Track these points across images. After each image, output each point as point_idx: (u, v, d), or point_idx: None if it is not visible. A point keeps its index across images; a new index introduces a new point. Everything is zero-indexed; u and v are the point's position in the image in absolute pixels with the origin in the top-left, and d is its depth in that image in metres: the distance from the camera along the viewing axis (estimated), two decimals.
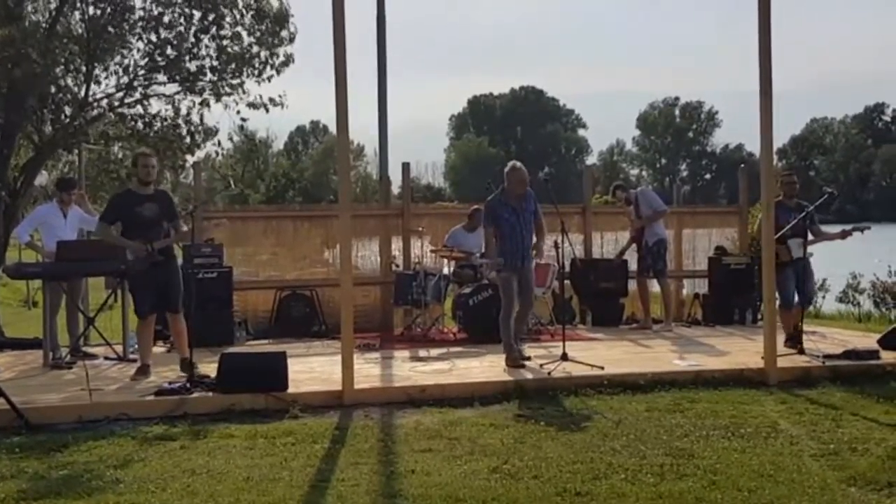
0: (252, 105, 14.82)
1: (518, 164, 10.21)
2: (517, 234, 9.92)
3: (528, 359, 9.87)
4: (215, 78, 14.61)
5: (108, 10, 13.98)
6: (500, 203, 10.04)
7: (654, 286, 13.47)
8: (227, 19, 14.41)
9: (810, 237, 10.93)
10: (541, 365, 9.42)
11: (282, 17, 14.70)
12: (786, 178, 11.18)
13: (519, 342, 10.06)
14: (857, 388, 8.69)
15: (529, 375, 9.10)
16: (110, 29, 13.92)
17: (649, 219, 13.09)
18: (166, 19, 14.30)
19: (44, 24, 13.97)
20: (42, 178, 16.92)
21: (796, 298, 10.80)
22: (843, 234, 10.96)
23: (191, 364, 8.82)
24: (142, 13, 14.26)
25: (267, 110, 14.94)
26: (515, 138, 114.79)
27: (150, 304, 9.13)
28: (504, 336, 9.91)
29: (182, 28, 14.36)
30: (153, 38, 14.30)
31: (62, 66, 14.10)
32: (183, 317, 9.27)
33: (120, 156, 17.27)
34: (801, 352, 10.06)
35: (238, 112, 14.78)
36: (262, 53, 14.62)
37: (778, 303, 10.32)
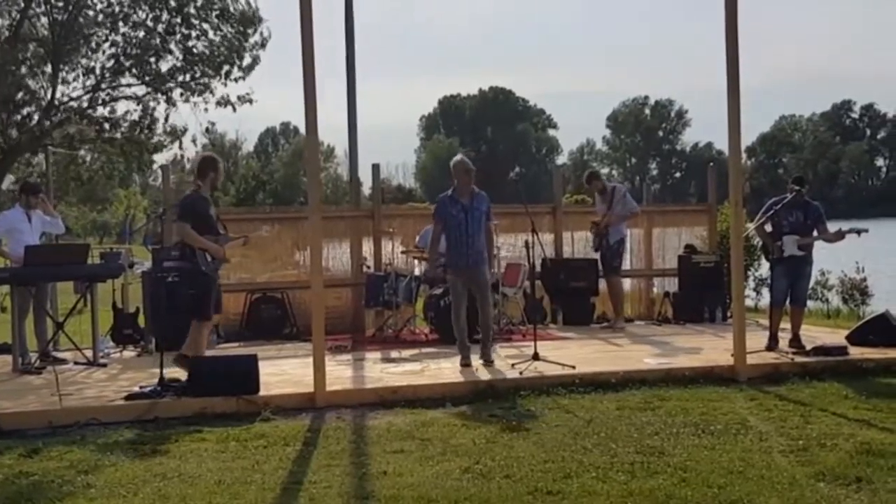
0: (220, 103, 14.74)
1: (461, 156, 10.14)
2: (463, 234, 9.74)
3: (491, 363, 9.75)
4: (184, 78, 14.53)
5: (72, 8, 13.84)
6: (450, 199, 9.90)
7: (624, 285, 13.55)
8: (194, 20, 14.31)
9: (815, 235, 10.56)
10: (512, 365, 9.45)
11: (248, 20, 14.63)
12: (795, 180, 10.92)
13: (490, 346, 9.95)
14: (826, 384, 8.78)
15: (501, 375, 9.11)
16: (80, 20, 13.78)
17: (619, 217, 13.13)
18: (132, 19, 14.21)
19: (6, 30, 13.84)
20: (8, 182, 16.78)
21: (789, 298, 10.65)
22: (839, 235, 10.61)
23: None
24: (103, 6, 14.12)
25: (234, 109, 14.91)
26: (486, 138, 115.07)
27: (212, 307, 9.08)
28: (456, 336, 9.94)
29: (148, 28, 14.27)
30: (118, 38, 14.21)
31: (26, 68, 13.97)
32: None
33: (88, 158, 17.12)
34: (771, 349, 10.12)
35: (206, 110, 14.74)
36: (229, 55, 14.53)
37: (768, 300, 10.34)
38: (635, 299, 14.88)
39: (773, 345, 10.38)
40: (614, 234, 13.14)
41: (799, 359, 9.65)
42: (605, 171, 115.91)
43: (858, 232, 10.57)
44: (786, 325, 10.76)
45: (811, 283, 16.27)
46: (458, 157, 10.21)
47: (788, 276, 10.56)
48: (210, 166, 9.13)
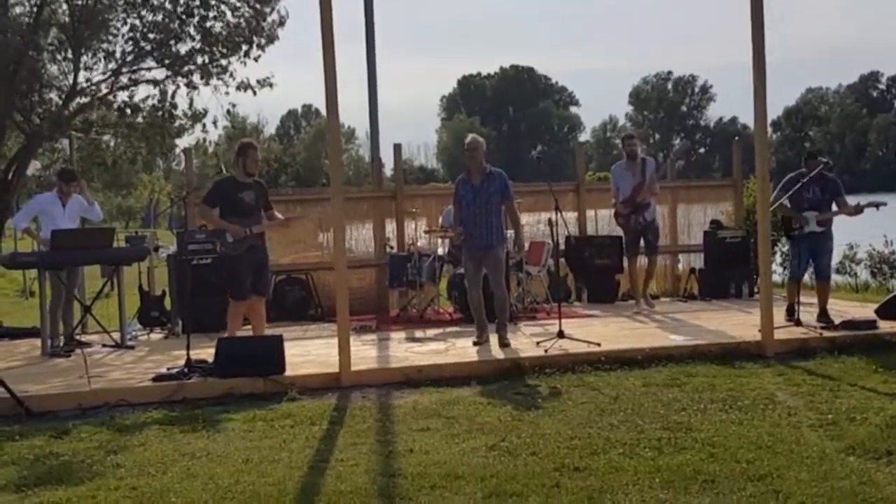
0: (240, 87, 14.72)
1: (472, 136, 10.10)
2: (471, 215, 9.71)
3: (507, 345, 9.65)
4: (204, 60, 14.52)
5: None
6: (461, 180, 9.92)
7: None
8: (213, 2, 14.30)
9: (834, 208, 10.54)
10: (537, 343, 9.43)
11: None
12: (809, 154, 10.89)
13: (505, 328, 9.86)
14: (855, 358, 8.72)
15: (526, 353, 9.10)
16: (99, 5, 13.80)
17: (650, 191, 12.35)
18: (151, 2, 14.21)
19: (27, 16, 13.88)
20: (33, 168, 16.87)
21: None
22: (857, 209, 10.53)
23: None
24: None
25: (254, 92, 14.85)
26: (507, 117, 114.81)
27: (243, 286, 9.27)
28: (473, 315, 9.99)
29: (167, 11, 14.26)
30: (137, 22, 14.22)
31: (48, 54, 14.02)
32: (264, 303, 9.71)
33: (112, 144, 17.18)
34: (798, 323, 10.06)
35: (227, 93, 14.73)
36: (248, 35, 14.49)
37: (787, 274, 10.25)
38: (661, 276, 14.77)
39: (790, 318, 10.34)
40: (652, 211, 12.44)
41: (827, 333, 9.59)
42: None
43: (877, 205, 10.51)
44: (813, 299, 10.72)
45: (838, 258, 16.35)
46: (469, 137, 10.17)
47: (809, 252, 10.54)
48: (239, 152, 9.45)
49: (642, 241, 12.51)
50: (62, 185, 11.03)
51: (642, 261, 12.72)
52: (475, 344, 9.74)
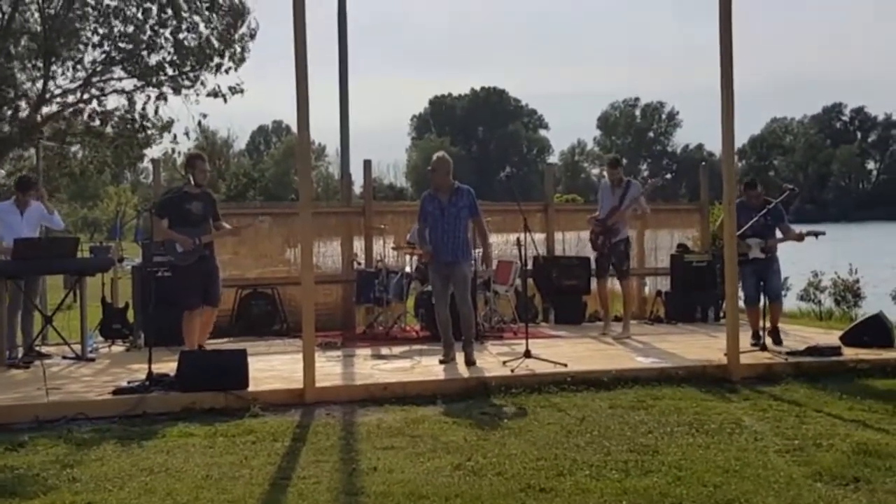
0: (211, 94, 14.59)
1: (438, 154, 10.10)
2: (438, 231, 9.68)
3: (473, 363, 9.56)
4: (174, 72, 14.40)
5: (62, 2, 13.74)
6: (428, 196, 9.89)
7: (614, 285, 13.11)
8: (185, 13, 14.19)
9: (779, 235, 10.87)
10: (504, 362, 9.37)
11: (238, 12, 14.49)
12: (747, 184, 11.12)
13: (472, 346, 9.79)
14: (821, 384, 8.72)
15: (492, 373, 9.03)
16: (71, 14, 13.67)
17: (631, 216, 12.29)
18: (123, 13, 14.08)
19: None
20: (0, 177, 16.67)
21: (762, 296, 10.82)
22: (799, 237, 10.82)
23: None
24: (94, 2, 14.01)
25: (225, 100, 14.73)
26: (477, 138, 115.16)
27: (194, 296, 9.45)
28: (440, 333, 9.96)
29: (139, 22, 14.14)
30: (108, 31, 14.06)
31: (18, 62, 13.85)
32: (215, 314, 9.95)
33: (79, 154, 16.96)
34: (764, 349, 10.11)
35: (197, 102, 14.61)
36: (220, 46, 14.40)
37: (741, 300, 10.38)
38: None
39: (756, 342, 10.48)
40: (621, 233, 12.04)
41: (793, 359, 9.60)
42: (595, 171, 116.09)
43: (816, 234, 10.89)
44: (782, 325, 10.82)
45: (801, 285, 16.49)
46: (436, 155, 10.14)
47: (757, 275, 10.80)
48: (188, 164, 9.74)
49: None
50: (19, 193, 10.88)
51: (614, 284, 12.64)
52: (441, 362, 9.66)
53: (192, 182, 9.53)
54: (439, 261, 9.74)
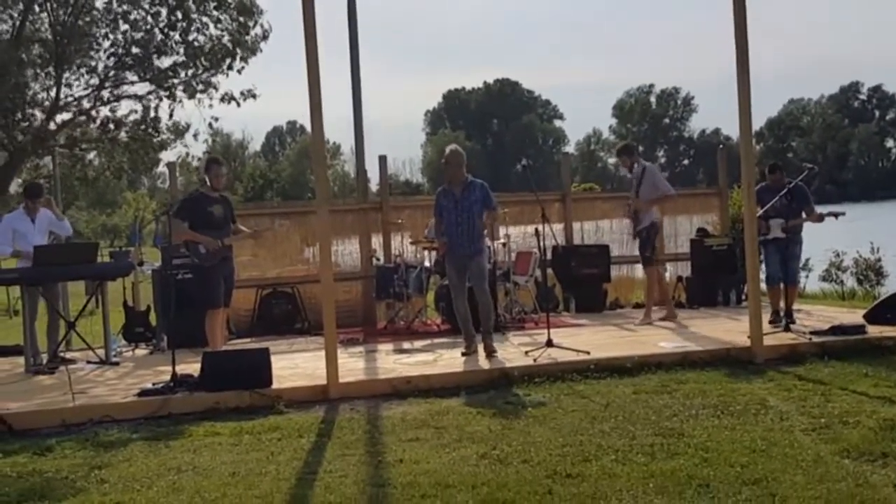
0: (224, 98, 14.61)
1: (451, 147, 10.11)
2: (453, 224, 9.75)
3: (494, 353, 9.60)
4: (187, 75, 14.42)
5: (71, 9, 13.78)
6: (443, 191, 9.97)
7: (638, 272, 13.16)
8: (194, 14, 14.20)
9: (804, 216, 11.01)
10: (526, 352, 9.37)
11: (247, 10, 14.48)
12: (770, 168, 11.27)
13: (491, 337, 9.81)
14: (845, 363, 8.68)
15: (515, 363, 9.03)
16: (80, 23, 13.72)
17: (648, 201, 11.99)
18: (132, 17, 14.11)
19: (7, 32, 13.73)
20: (15, 185, 16.76)
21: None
22: (819, 217, 10.97)
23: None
24: (104, 5, 14.04)
25: (238, 104, 14.74)
26: (492, 131, 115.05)
27: (218, 297, 9.60)
28: (460, 326, 10.00)
29: (149, 26, 14.17)
30: (119, 36, 14.11)
31: (31, 70, 13.89)
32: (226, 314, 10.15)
33: (95, 162, 17.02)
34: (787, 329, 10.07)
35: (210, 106, 14.59)
36: (231, 48, 14.42)
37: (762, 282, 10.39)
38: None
39: (775, 318, 10.69)
40: (643, 220, 11.94)
41: (816, 339, 9.55)
42: (612, 160, 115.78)
43: (836, 215, 10.88)
44: (805, 305, 10.80)
45: (823, 265, 16.42)
46: (448, 147, 10.17)
47: (780, 254, 10.95)
48: (207, 168, 9.87)
49: None
50: (28, 201, 10.92)
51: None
52: (463, 354, 9.67)
53: (210, 185, 9.68)
54: (454, 253, 9.79)
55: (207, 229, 9.50)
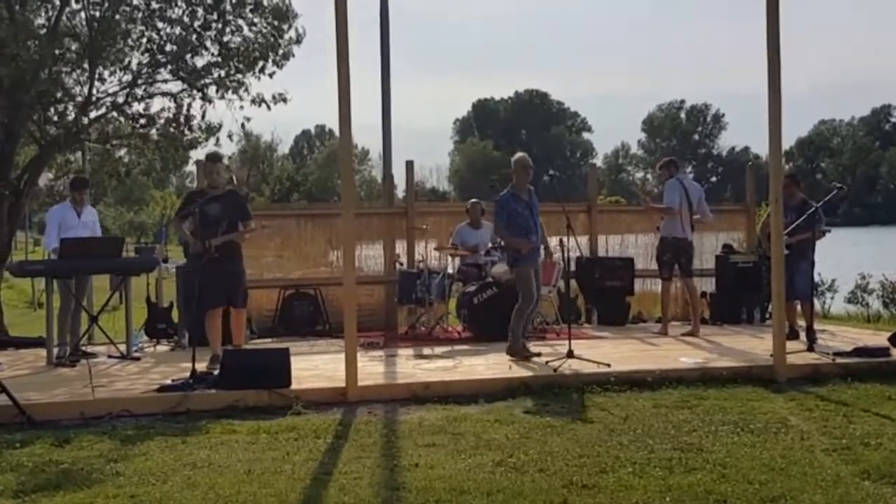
0: (255, 101, 14.63)
1: (522, 154, 10.41)
2: (532, 227, 10.03)
3: (538, 355, 9.77)
4: (220, 74, 14.47)
5: (108, 4, 13.87)
6: (512, 196, 10.10)
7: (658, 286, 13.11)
8: (230, 16, 14.26)
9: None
10: (546, 362, 9.34)
11: (282, 14, 14.51)
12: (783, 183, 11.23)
13: (525, 339, 9.98)
14: (869, 385, 8.57)
15: (535, 372, 9.00)
16: (117, 17, 13.80)
17: (656, 211, 12.36)
18: (169, 15, 14.17)
19: (40, 28, 13.82)
20: (44, 179, 16.86)
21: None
22: (818, 235, 11.11)
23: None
24: (140, 2, 14.11)
25: (269, 107, 14.74)
26: (520, 141, 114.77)
27: (212, 297, 9.33)
28: (515, 327, 9.96)
29: (184, 24, 14.23)
30: (154, 34, 14.18)
31: (65, 65, 13.98)
32: (244, 314, 9.85)
33: (126, 158, 17.10)
34: (811, 349, 10.00)
35: (241, 107, 14.62)
36: (264, 50, 14.45)
37: None
38: (673, 300, 14.60)
39: (790, 335, 10.66)
40: (662, 232, 12.22)
41: (840, 360, 9.46)
42: (639, 174, 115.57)
43: (823, 233, 11.21)
44: (828, 325, 10.71)
45: (849, 287, 16.28)
46: (519, 154, 10.46)
47: (787, 272, 10.65)
48: (203, 165, 9.93)
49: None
50: (74, 193, 10.98)
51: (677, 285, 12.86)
52: (528, 356, 9.82)
53: (208, 183, 9.57)
54: (534, 256, 10.09)
55: (200, 228, 9.26)
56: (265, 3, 14.53)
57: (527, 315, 10.10)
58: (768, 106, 9.13)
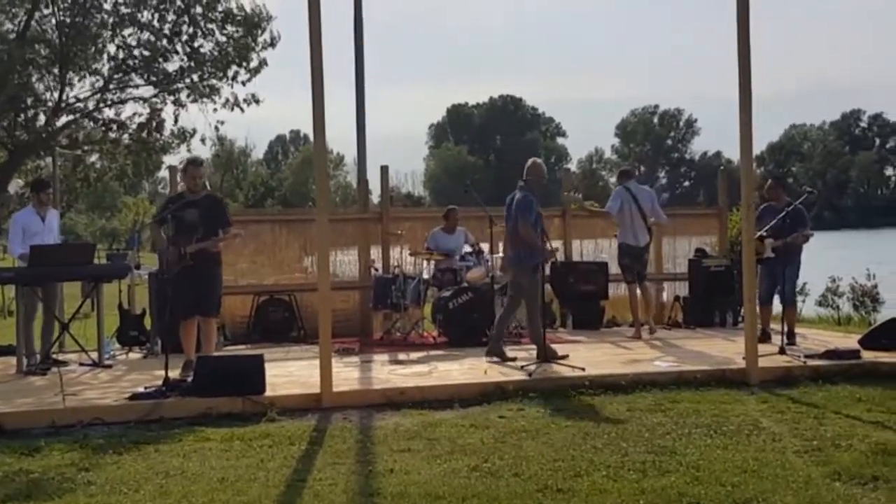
0: (227, 104, 14.61)
1: (536, 158, 10.56)
2: (539, 231, 10.05)
3: (514, 359, 9.78)
4: (192, 79, 14.42)
5: (78, 9, 13.80)
6: (533, 199, 10.12)
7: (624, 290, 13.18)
8: (200, 20, 14.22)
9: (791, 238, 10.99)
10: (522, 366, 9.35)
11: (254, 23, 14.50)
12: (769, 184, 11.42)
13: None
14: (839, 387, 8.65)
15: (510, 377, 9.01)
16: (87, 22, 13.73)
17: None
18: (139, 19, 14.13)
19: (10, 33, 13.73)
20: (15, 185, 16.74)
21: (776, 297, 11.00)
22: (804, 238, 11.11)
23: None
24: (110, 8, 14.06)
25: (242, 110, 14.74)
26: (494, 146, 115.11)
27: (184, 305, 9.21)
28: (500, 328, 10.15)
29: (154, 29, 14.17)
30: (124, 40, 14.11)
31: (35, 70, 13.89)
32: (214, 322, 9.66)
33: (98, 164, 17.00)
34: (782, 352, 10.06)
35: (214, 111, 14.57)
36: (236, 56, 14.43)
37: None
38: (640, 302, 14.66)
39: (762, 337, 10.67)
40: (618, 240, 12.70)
41: (811, 362, 9.53)
42: (613, 179, 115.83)
43: (806, 237, 11.11)
44: (805, 329, 10.82)
45: (820, 290, 16.41)
46: (538, 159, 10.59)
47: (771, 276, 11.06)
48: (182, 169, 9.81)
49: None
50: (37, 195, 10.80)
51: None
52: (508, 359, 9.90)
53: (187, 188, 9.45)
54: (540, 263, 10.07)
55: (176, 234, 9.16)
56: (235, 11, 14.50)
57: (540, 322, 9.95)
58: (739, 111, 9.18)
